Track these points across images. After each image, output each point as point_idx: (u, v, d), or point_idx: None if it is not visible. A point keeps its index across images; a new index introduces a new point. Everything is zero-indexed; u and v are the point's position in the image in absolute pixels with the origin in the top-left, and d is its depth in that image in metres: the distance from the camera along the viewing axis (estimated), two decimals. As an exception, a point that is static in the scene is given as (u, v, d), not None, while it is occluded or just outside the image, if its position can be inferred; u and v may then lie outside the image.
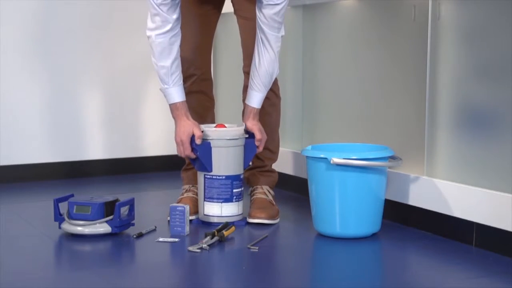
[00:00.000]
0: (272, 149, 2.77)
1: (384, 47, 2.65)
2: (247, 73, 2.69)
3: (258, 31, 2.50)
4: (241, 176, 2.58)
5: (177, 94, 2.52)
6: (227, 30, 3.20)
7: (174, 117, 2.56)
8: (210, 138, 2.54)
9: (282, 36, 2.52)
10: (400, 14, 2.55)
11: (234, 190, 2.55)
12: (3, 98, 3.44)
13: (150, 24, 2.47)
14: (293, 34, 3.09)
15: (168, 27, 2.44)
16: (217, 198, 2.56)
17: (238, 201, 2.57)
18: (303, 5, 3.04)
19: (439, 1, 2.39)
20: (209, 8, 2.70)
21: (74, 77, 3.58)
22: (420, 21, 2.47)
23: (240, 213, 2.59)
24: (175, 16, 2.45)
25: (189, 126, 2.51)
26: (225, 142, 2.54)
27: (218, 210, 2.56)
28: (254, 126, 2.58)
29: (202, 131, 2.53)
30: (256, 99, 2.58)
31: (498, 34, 2.20)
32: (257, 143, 2.59)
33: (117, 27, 3.65)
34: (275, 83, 2.73)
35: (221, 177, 2.55)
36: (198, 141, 2.49)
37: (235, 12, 2.69)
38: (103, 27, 3.62)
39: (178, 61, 2.52)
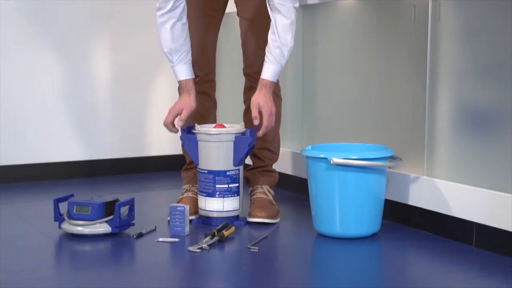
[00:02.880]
0: (272, 150, 2.77)
1: (384, 47, 2.65)
2: (247, 75, 2.69)
3: (269, 9, 2.48)
4: (228, 173, 2.55)
5: (181, 72, 2.56)
6: (228, 31, 3.20)
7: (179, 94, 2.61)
8: (197, 132, 2.56)
9: (295, 8, 2.48)
10: (400, 14, 2.55)
11: (217, 186, 2.54)
12: (3, 99, 3.44)
13: (157, 4, 2.51)
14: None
15: (169, 5, 2.47)
16: (201, 192, 2.58)
17: (222, 197, 2.56)
18: (303, 5, 3.04)
19: (439, 1, 2.39)
20: (214, 9, 2.70)
21: (76, 77, 3.58)
22: (420, 21, 2.47)
23: (224, 209, 2.56)
24: None
25: (183, 102, 2.56)
26: (208, 137, 2.54)
27: (203, 204, 2.58)
28: (256, 100, 2.49)
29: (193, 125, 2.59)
30: (266, 70, 2.52)
31: (498, 34, 2.20)
32: (254, 122, 2.51)
33: (120, 26, 3.65)
34: (276, 84, 2.72)
35: (203, 171, 2.56)
36: (179, 123, 2.55)
37: (238, 13, 2.69)
38: (106, 26, 3.62)
39: (183, 41, 2.54)
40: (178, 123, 2.56)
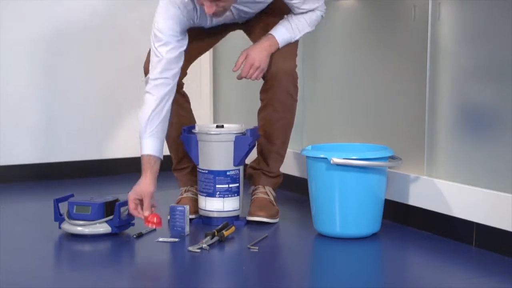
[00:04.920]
0: (281, 153, 2.70)
1: (384, 47, 2.65)
2: (265, 76, 2.62)
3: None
4: (228, 173, 2.55)
5: (149, 146, 2.47)
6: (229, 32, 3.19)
7: (142, 170, 2.49)
8: (197, 131, 2.56)
9: (321, 14, 2.57)
10: (400, 14, 2.55)
11: (217, 186, 2.54)
12: (2, 98, 3.44)
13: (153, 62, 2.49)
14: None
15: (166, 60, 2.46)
16: (202, 192, 2.58)
17: (222, 197, 2.55)
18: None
19: (439, 1, 2.39)
20: (213, 38, 2.69)
21: (74, 78, 3.58)
22: (420, 21, 2.47)
23: (225, 209, 2.56)
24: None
25: (141, 187, 2.42)
26: (208, 137, 2.54)
27: (203, 204, 2.58)
28: (248, 50, 2.50)
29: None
30: (279, 33, 2.52)
31: (498, 34, 2.20)
32: (233, 68, 2.51)
33: (115, 29, 3.65)
34: (295, 84, 2.61)
35: (204, 171, 2.56)
36: (145, 213, 2.38)
37: (250, 39, 2.66)
38: (102, 28, 3.62)
39: (164, 117, 2.47)
40: (145, 213, 2.39)
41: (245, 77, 2.53)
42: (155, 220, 2.32)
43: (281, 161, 2.74)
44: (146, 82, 2.50)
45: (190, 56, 2.61)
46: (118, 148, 3.70)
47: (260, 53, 2.50)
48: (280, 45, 2.53)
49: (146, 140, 2.48)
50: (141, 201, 2.41)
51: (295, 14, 2.54)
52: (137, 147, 3.71)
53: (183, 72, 2.65)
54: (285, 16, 2.56)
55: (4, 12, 3.41)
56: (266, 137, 2.64)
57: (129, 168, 3.72)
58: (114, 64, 3.66)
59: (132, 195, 2.41)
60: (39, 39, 3.49)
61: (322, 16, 2.59)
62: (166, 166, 3.74)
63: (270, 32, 2.53)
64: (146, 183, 2.43)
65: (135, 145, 3.72)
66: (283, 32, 2.53)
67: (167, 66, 2.45)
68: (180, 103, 2.68)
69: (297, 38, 2.56)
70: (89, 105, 3.62)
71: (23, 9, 3.45)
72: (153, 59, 2.48)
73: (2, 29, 3.41)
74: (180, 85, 2.68)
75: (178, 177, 2.80)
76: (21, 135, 3.49)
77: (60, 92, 3.55)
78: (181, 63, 2.49)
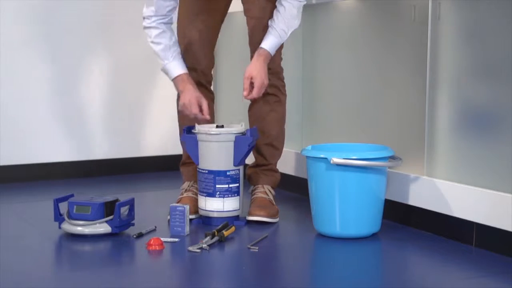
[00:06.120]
0: (276, 146, 2.74)
1: (384, 47, 2.65)
2: None
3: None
4: (229, 173, 2.55)
5: (179, 67, 2.58)
6: (230, 30, 3.20)
7: (180, 90, 2.60)
8: (197, 131, 2.56)
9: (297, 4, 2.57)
10: (400, 14, 2.55)
11: (217, 186, 2.54)
12: (2, 99, 3.44)
13: (144, 12, 2.59)
14: (293, 34, 3.09)
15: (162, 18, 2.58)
16: (202, 192, 2.58)
17: (222, 197, 2.56)
18: (303, 5, 3.03)
19: (439, 1, 2.39)
20: (218, 6, 2.70)
21: (75, 77, 3.58)
22: (420, 21, 2.47)
23: (225, 209, 2.56)
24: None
25: (197, 93, 2.57)
26: (208, 137, 2.54)
27: (203, 204, 2.58)
28: (250, 70, 2.53)
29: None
30: (267, 41, 2.56)
31: (498, 34, 2.20)
32: (244, 93, 2.55)
33: (118, 28, 3.65)
34: (281, 79, 2.69)
35: (204, 171, 2.57)
36: (207, 116, 2.55)
37: (245, 12, 2.67)
38: (103, 28, 3.62)
39: (175, 38, 2.62)
40: (207, 116, 2.58)
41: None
42: (158, 243, 2.31)
43: (278, 156, 2.76)
44: (145, 19, 2.61)
45: (206, 41, 2.69)
46: (118, 148, 3.70)
47: (261, 71, 2.54)
48: (272, 54, 2.59)
49: (173, 63, 2.59)
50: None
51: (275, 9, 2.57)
52: (137, 148, 3.75)
53: (211, 61, 2.74)
54: (269, 23, 2.57)
55: (3, 8, 3.41)
56: (260, 132, 2.66)
57: (129, 169, 3.72)
58: (116, 64, 3.66)
59: (194, 100, 2.55)
60: (40, 38, 3.50)
61: (299, 1, 2.57)
62: (165, 166, 3.77)
63: (261, 45, 2.56)
64: (198, 93, 2.57)
65: (135, 145, 3.75)
66: (272, 41, 2.57)
67: (162, 2, 2.54)
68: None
69: (286, 38, 2.61)
70: (89, 105, 3.62)
71: (24, 5, 3.45)
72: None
73: (2, 30, 3.41)
74: (208, 80, 2.76)
75: (183, 172, 2.80)
76: (21, 135, 3.49)
77: (60, 92, 3.56)
78: None
